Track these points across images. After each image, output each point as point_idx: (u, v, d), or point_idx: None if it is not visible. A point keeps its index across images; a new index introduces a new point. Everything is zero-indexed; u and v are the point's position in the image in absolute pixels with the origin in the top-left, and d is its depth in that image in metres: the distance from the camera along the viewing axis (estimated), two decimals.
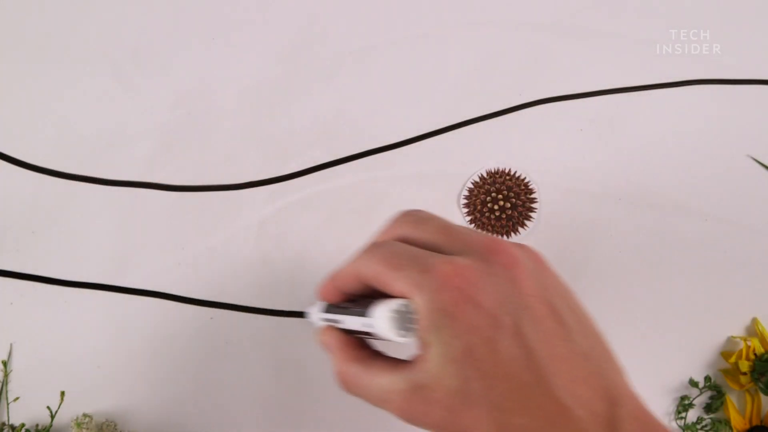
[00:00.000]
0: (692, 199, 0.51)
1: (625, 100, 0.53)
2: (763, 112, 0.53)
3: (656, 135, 0.52)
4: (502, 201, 0.49)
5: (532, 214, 0.50)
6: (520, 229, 0.49)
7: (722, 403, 0.47)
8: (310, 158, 0.51)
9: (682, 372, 0.48)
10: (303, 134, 0.51)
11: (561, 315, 0.23)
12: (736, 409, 0.47)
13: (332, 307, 0.28)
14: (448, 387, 0.22)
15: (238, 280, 0.48)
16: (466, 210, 0.50)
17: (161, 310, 0.48)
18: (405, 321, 0.24)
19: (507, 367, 0.22)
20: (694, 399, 0.47)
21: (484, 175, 0.50)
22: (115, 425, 0.45)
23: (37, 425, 0.46)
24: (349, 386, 0.26)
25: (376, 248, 0.25)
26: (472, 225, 0.50)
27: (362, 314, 0.25)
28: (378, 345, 0.28)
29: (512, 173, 0.50)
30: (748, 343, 0.46)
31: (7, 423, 0.46)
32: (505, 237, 0.50)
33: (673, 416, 0.48)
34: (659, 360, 0.48)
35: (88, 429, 0.44)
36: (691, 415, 0.48)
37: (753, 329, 0.48)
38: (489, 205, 0.49)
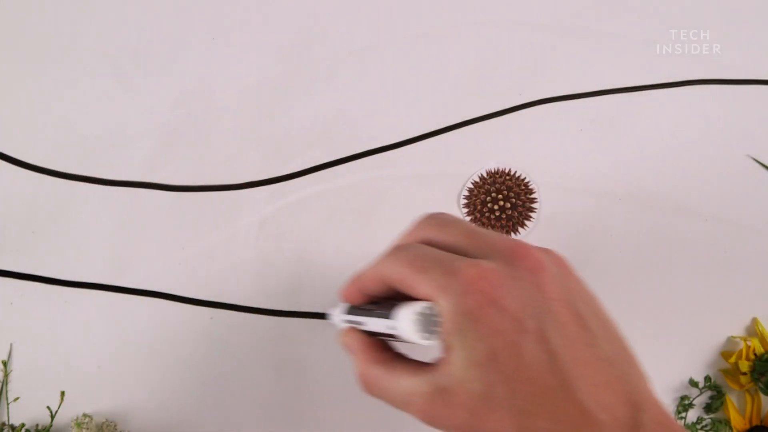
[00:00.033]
0: (692, 199, 0.51)
1: (626, 100, 0.53)
2: (763, 112, 0.53)
3: (656, 135, 0.52)
4: (502, 201, 0.49)
5: (532, 214, 0.50)
6: (520, 229, 0.49)
7: (722, 403, 0.47)
8: (310, 158, 0.51)
9: (682, 372, 0.48)
10: (303, 134, 0.51)
11: (585, 320, 0.24)
12: (736, 409, 0.47)
13: (355, 309, 0.28)
14: (472, 390, 0.22)
15: (238, 280, 0.48)
16: (466, 210, 0.50)
17: (161, 310, 0.48)
18: (429, 324, 0.24)
19: (531, 371, 0.22)
20: (694, 399, 0.47)
21: (484, 175, 0.50)
22: (115, 425, 0.45)
23: (37, 425, 0.46)
24: (371, 388, 0.26)
25: (400, 251, 0.25)
26: None
27: (386, 316, 0.25)
28: (400, 347, 0.28)
29: (512, 173, 0.50)
30: (748, 343, 0.46)
31: (7, 423, 0.46)
32: None
33: (673, 416, 0.48)
34: (659, 360, 0.48)
35: (88, 429, 0.44)
36: (691, 415, 0.48)
37: (753, 329, 0.48)
38: (489, 205, 0.49)
